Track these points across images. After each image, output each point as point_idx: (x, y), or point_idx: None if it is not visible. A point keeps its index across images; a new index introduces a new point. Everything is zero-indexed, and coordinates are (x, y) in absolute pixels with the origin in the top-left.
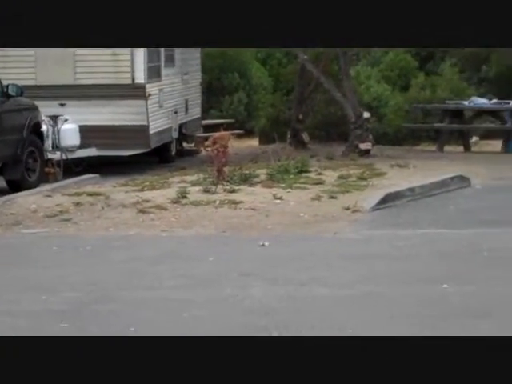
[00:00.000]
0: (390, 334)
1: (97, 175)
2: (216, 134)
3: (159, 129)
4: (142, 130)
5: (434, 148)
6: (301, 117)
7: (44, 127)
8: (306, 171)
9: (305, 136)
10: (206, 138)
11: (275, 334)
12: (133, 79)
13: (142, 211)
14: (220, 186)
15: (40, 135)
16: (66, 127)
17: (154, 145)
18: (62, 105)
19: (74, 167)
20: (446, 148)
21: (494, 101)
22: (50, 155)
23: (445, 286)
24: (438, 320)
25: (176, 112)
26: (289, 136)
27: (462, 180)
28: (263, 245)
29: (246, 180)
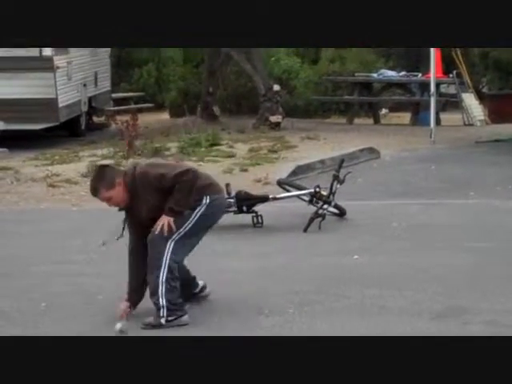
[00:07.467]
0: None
1: (5, 149)
2: None
3: (68, 102)
4: (51, 103)
5: (343, 120)
6: (211, 90)
7: None
8: (217, 144)
9: (215, 109)
10: (117, 112)
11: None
12: (40, 51)
13: (52, 185)
14: (131, 160)
15: None
16: None
17: (63, 118)
18: None
19: None
20: (356, 120)
21: (403, 73)
22: None
23: (356, 256)
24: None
25: (85, 85)
26: (199, 109)
27: (372, 152)
28: None
29: (158, 153)
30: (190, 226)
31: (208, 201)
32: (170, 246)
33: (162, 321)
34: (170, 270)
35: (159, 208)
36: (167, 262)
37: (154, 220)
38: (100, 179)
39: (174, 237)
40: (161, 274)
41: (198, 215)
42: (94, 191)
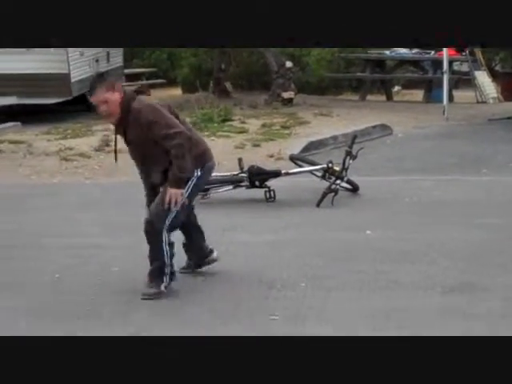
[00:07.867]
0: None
1: (18, 123)
2: None
3: (81, 77)
4: (63, 78)
5: (356, 97)
6: (223, 66)
7: None
8: (230, 120)
9: (228, 85)
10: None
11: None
12: None
13: (65, 159)
14: None
15: None
16: None
17: (75, 93)
18: None
19: None
20: (369, 97)
21: (416, 51)
22: None
23: (368, 231)
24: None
25: (97, 60)
26: (212, 85)
27: (385, 128)
28: None
29: None
30: (185, 197)
31: (199, 173)
32: (169, 218)
33: (162, 287)
34: (170, 243)
35: (149, 148)
36: (167, 235)
37: (143, 155)
38: (101, 79)
39: (173, 209)
40: (163, 244)
41: (192, 186)
42: (92, 89)
